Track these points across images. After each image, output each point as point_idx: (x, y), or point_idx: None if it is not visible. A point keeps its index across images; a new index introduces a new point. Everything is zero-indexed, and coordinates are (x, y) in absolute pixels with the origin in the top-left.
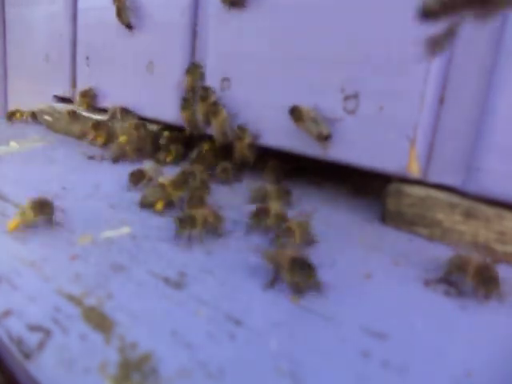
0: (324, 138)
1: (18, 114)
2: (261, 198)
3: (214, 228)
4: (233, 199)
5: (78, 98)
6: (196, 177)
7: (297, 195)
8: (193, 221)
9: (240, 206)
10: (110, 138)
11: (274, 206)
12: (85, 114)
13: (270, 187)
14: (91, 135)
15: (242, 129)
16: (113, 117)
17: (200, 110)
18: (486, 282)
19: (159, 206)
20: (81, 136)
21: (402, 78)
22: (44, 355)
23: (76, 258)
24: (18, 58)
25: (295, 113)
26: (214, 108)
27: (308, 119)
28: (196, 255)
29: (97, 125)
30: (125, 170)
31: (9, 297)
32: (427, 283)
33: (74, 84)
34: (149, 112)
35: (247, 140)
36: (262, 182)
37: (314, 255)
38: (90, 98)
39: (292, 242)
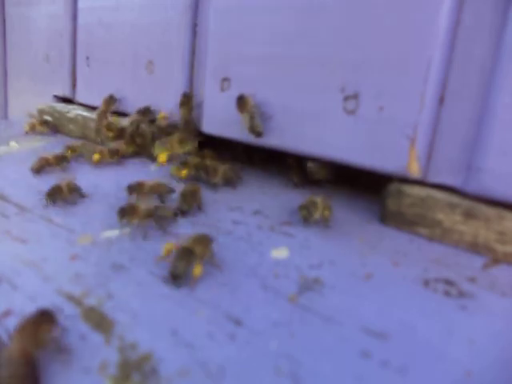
0: (256, 134)
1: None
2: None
3: None
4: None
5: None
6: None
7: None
8: None
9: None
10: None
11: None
12: (85, 114)
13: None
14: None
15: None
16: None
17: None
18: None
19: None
20: None
21: (402, 78)
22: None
23: (76, 258)
24: (18, 57)
25: (240, 102)
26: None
27: (248, 112)
28: None
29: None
30: (124, 170)
31: (9, 297)
32: (427, 283)
33: (74, 84)
34: None
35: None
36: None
37: (314, 255)
38: None
39: None
